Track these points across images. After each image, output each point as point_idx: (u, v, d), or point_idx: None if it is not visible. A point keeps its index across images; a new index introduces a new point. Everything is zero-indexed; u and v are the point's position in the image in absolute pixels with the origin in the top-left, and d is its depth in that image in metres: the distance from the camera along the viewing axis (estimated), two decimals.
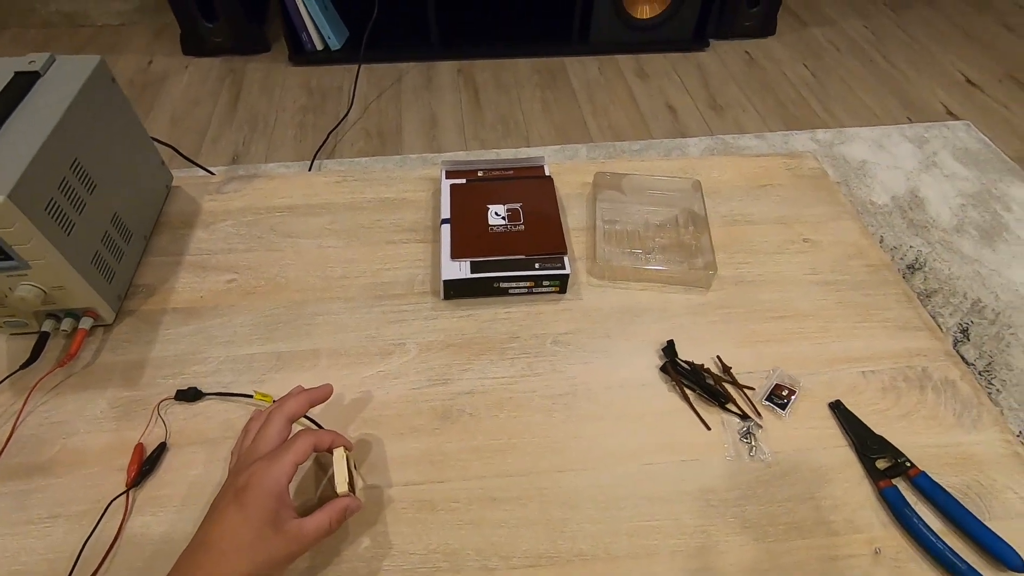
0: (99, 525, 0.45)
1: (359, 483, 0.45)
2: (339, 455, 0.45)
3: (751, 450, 0.51)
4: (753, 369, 0.57)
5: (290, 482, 0.41)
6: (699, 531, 0.47)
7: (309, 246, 0.67)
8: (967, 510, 0.46)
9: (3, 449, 0.49)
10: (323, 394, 0.48)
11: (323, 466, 0.50)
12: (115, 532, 0.45)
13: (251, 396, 0.53)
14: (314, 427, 0.51)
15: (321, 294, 0.62)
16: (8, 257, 0.48)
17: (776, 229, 0.70)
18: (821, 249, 0.68)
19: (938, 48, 1.81)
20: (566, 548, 0.46)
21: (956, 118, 1.44)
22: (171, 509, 0.47)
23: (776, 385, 0.55)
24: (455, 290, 0.61)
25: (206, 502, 0.46)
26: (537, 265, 0.61)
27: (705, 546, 0.46)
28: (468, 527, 0.47)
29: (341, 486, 0.44)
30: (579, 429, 0.52)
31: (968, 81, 1.66)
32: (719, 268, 0.64)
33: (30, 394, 0.52)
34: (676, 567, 0.45)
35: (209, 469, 0.49)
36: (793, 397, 0.54)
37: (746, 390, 0.55)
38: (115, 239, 0.59)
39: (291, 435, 0.44)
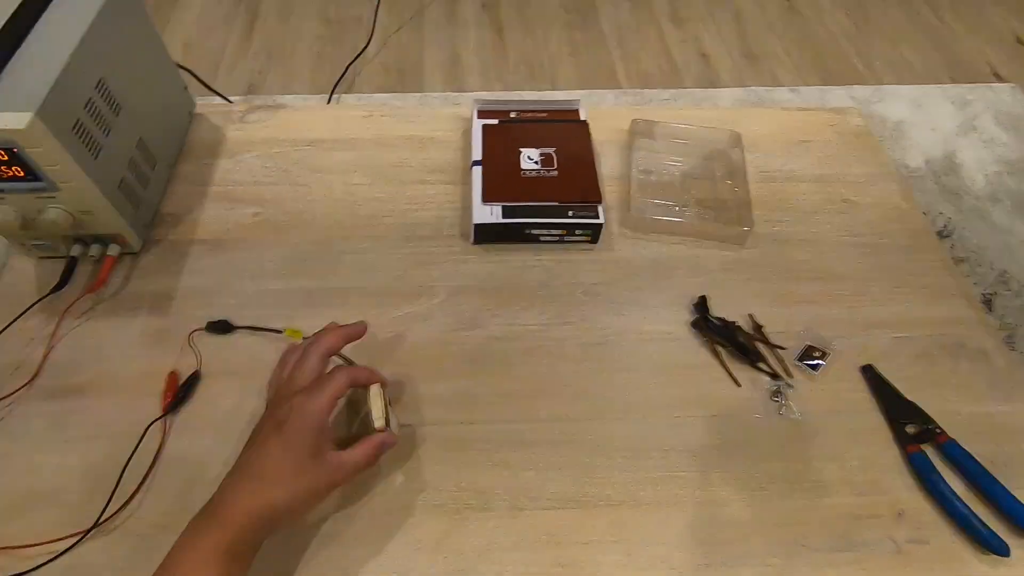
0: (139, 448, 0.46)
1: (394, 420, 0.46)
2: (375, 391, 0.45)
3: (780, 409, 0.51)
4: (785, 329, 0.56)
5: (330, 416, 0.41)
6: (725, 484, 0.48)
7: (335, 182, 0.65)
8: (994, 478, 0.47)
9: (39, 370, 0.50)
10: (358, 331, 0.47)
11: (354, 405, 0.50)
12: (153, 455, 0.46)
13: (281, 332, 0.53)
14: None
15: (349, 232, 0.61)
16: (37, 178, 0.47)
17: (815, 187, 0.68)
18: (860, 211, 0.66)
19: (991, 3, 1.71)
20: (593, 493, 0.47)
21: (1002, 80, 1.38)
22: (207, 436, 0.48)
23: (808, 346, 0.55)
24: (485, 235, 0.60)
25: (240, 432, 0.47)
26: (570, 213, 0.59)
27: (729, 499, 0.47)
28: (498, 468, 0.47)
29: (378, 421, 0.44)
30: (610, 379, 0.52)
31: (1019, 41, 1.58)
32: (755, 225, 0.62)
33: (62, 318, 0.52)
34: (701, 517, 0.46)
35: (242, 401, 0.49)
36: (825, 359, 0.54)
37: (778, 349, 0.55)
38: (140, 165, 0.57)
39: (328, 370, 0.44)
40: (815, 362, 0.54)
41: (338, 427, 0.49)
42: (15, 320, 0.51)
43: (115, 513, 0.44)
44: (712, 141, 0.68)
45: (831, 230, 0.64)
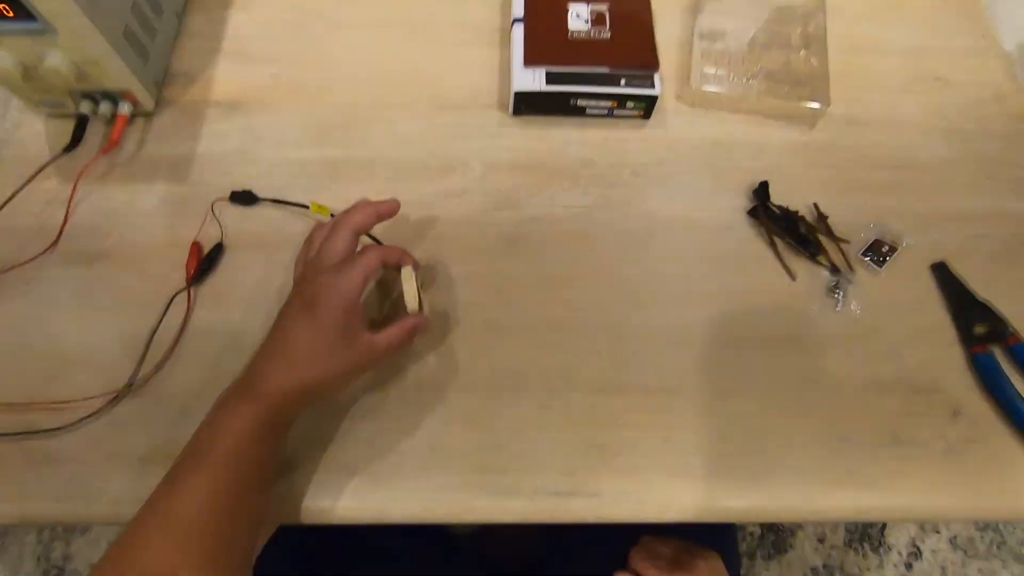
0: (166, 316, 0.45)
1: (426, 304, 0.43)
2: (407, 273, 0.42)
3: (837, 304, 0.48)
4: (852, 221, 0.51)
5: (360, 296, 0.39)
6: (771, 377, 0.45)
7: (360, 40, 0.58)
8: None
9: (60, 235, 0.48)
10: (390, 209, 0.44)
11: (384, 287, 0.48)
12: (180, 324, 0.45)
13: (307, 207, 0.50)
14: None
15: (376, 99, 0.55)
16: (30, 17, 0.42)
17: (904, 62, 0.59)
18: (954, 90, 0.58)
19: None
20: (631, 379, 0.45)
21: None
22: (234, 309, 0.46)
23: (876, 240, 0.50)
24: (526, 104, 0.54)
25: (268, 306, 0.46)
26: (623, 82, 0.53)
27: (776, 392, 0.45)
28: (533, 350, 0.46)
29: (411, 304, 0.42)
30: (655, 267, 0.49)
31: None
32: (830, 103, 0.55)
33: (78, 181, 0.49)
34: (742, 407, 0.44)
35: (269, 273, 0.47)
36: (893, 254, 0.49)
37: (841, 243, 0.50)
38: (145, 11, 0.51)
39: (358, 249, 0.41)
40: (881, 257, 0.49)
41: (368, 310, 0.47)
42: (30, 180, 0.48)
43: (148, 379, 0.44)
44: (790, 4, 0.59)
45: (917, 112, 0.56)
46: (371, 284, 0.47)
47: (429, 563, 0.59)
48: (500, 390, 0.45)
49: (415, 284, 0.42)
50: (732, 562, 0.61)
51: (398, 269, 0.43)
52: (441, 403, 0.44)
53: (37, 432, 0.42)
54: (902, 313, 0.48)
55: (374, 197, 0.47)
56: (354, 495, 0.41)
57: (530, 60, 0.53)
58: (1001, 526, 0.91)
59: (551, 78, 0.52)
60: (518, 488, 0.42)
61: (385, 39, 0.58)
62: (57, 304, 0.46)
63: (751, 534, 0.93)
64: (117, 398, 0.43)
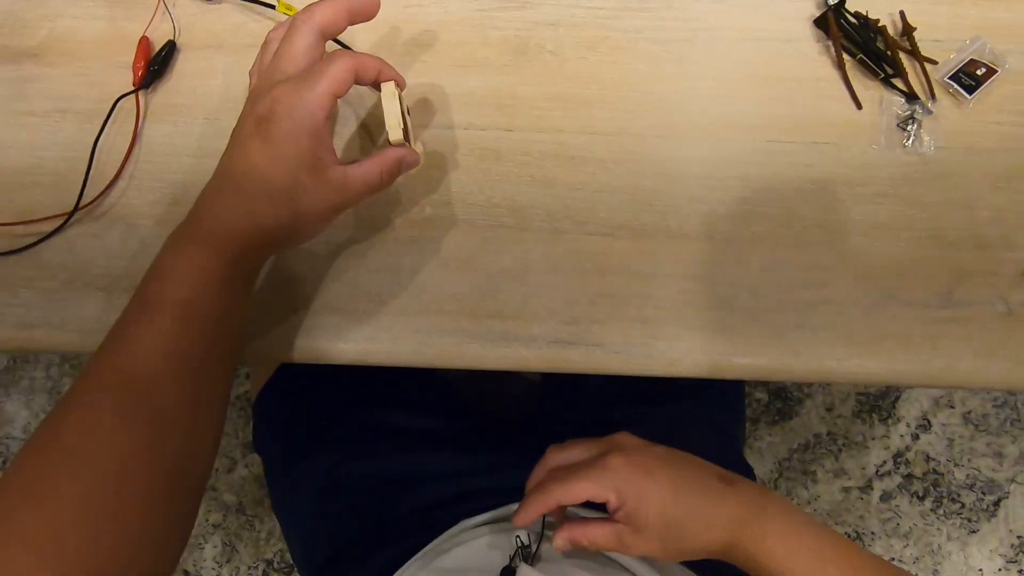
0: (109, 125, 0.39)
1: (414, 133, 0.36)
2: (389, 91, 0.34)
3: (908, 139, 0.40)
4: (945, 37, 0.41)
5: (327, 117, 0.31)
6: (815, 225, 0.39)
7: None
8: None
9: None
10: (366, 7, 0.34)
11: (369, 129, 0.40)
12: (131, 136, 0.39)
13: (273, 7, 0.41)
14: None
15: None
16: None
17: None
18: None
19: None
20: (651, 222, 0.39)
21: None
22: (194, 121, 0.40)
23: (971, 60, 0.40)
24: None
25: (219, 111, 0.39)
26: None
27: (818, 242, 0.39)
28: (539, 184, 0.39)
29: (394, 132, 0.34)
30: (693, 87, 0.41)
31: None
32: None
33: None
34: (777, 258, 0.39)
35: (231, 80, 0.40)
36: (990, 79, 0.40)
37: (927, 63, 0.41)
38: None
39: (325, 57, 0.33)
40: (974, 83, 0.40)
41: (351, 153, 0.40)
42: None
43: (98, 198, 0.38)
44: None
45: None
46: (350, 121, 0.40)
47: (428, 411, 0.58)
48: (500, 228, 0.39)
49: (399, 106, 0.34)
50: (737, 426, 0.60)
51: (377, 87, 0.34)
52: (433, 241, 0.39)
53: None
54: (985, 155, 0.40)
55: None
56: (336, 334, 0.38)
57: None
58: (1020, 402, 0.89)
59: None
60: (515, 335, 0.38)
61: None
62: None
63: (757, 400, 0.93)
64: (68, 220, 0.38)
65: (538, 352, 0.38)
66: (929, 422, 0.89)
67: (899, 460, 0.89)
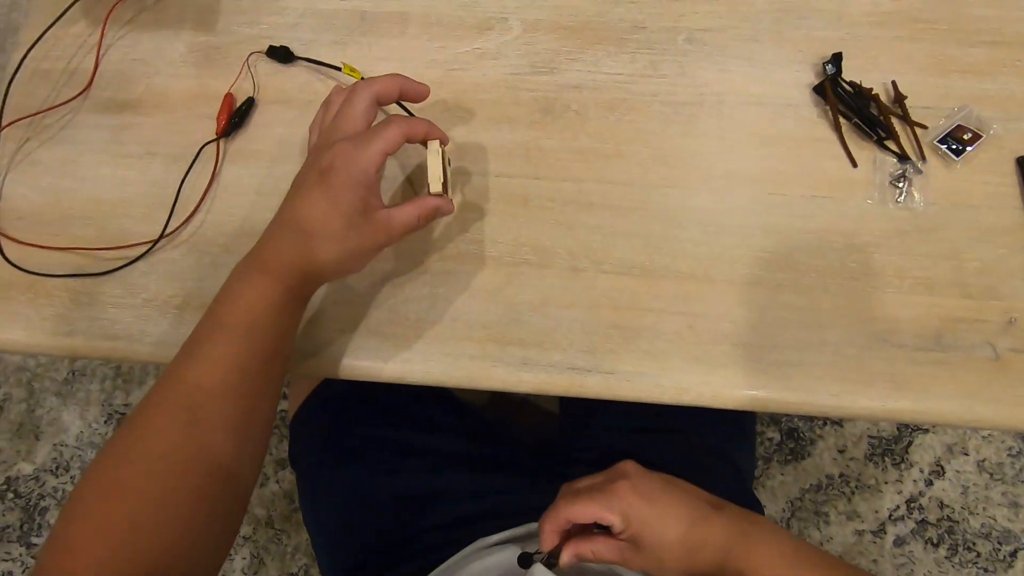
0: (193, 167, 0.45)
1: (452, 185, 0.41)
2: (434, 148, 0.39)
3: (899, 195, 0.44)
4: (934, 104, 0.45)
5: (378, 171, 0.36)
6: (812, 270, 0.43)
7: None
8: None
9: (91, 81, 0.47)
10: (417, 91, 0.40)
11: (415, 184, 0.46)
12: (210, 176, 0.45)
13: (339, 68, 0.47)
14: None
15: None
16: None
17: None
18: None
19: None
20: (662, 263, 0.43)
21: None
22: (263, 165, 0.46)
23: (958, 126, 0.44)
24: None
25: (295, 166, 0.45)
26: None
27: (814, 286, 0.43)
28: (561, 227, 0.44)
29: (435, 184, 0.39)
30: (700, 145, 0.45)
31: None
32: None
33: (106, 23, 0.48)
34: (777, 301, 0.42)
35: (294, 130, 0.46)
36: (976, 144, 0.44)
37: (917, 127, 0.45)
38: None
39: (379, 121, 0.38)
40: (961, 146, 0.44)
41: (393, 200, 0.45)
42: (59, 19, 0.47)
43: (178, 228, 0.44)
44: None
45: None
46: (397, 178, 0.45)
47: (452, 434, 0.61)
48: (525, 265, 0.44)
49: (440, 161, 0.39)
50: (746, 461, 0.62)
51: (424, 144, 0.40)
52: (464, 275, 0.44)
53: (81, 275, 0.44)
54: (972, 210, 0.44)
55: (404, 52, 0.44)
56: (377, 355, 0.42)
57: None
58: None
59: None
60: (535, 360, 0.42)
61: None
62: (93, 150, 0.46)
63: (769, 439, 0.94)
64: (152, 246, 0.44)
65: (557, 377, 0.42)
66: (943, 468, 0.89)
67: (913, 505, 0.89)
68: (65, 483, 0.98)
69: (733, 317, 0.42)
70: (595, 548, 0.40)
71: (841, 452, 0.92)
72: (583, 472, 0.57)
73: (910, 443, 0.91)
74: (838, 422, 0.94)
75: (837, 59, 0.46)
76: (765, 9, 0.48)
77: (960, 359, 0.41)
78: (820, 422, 0.94)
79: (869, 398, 0.41)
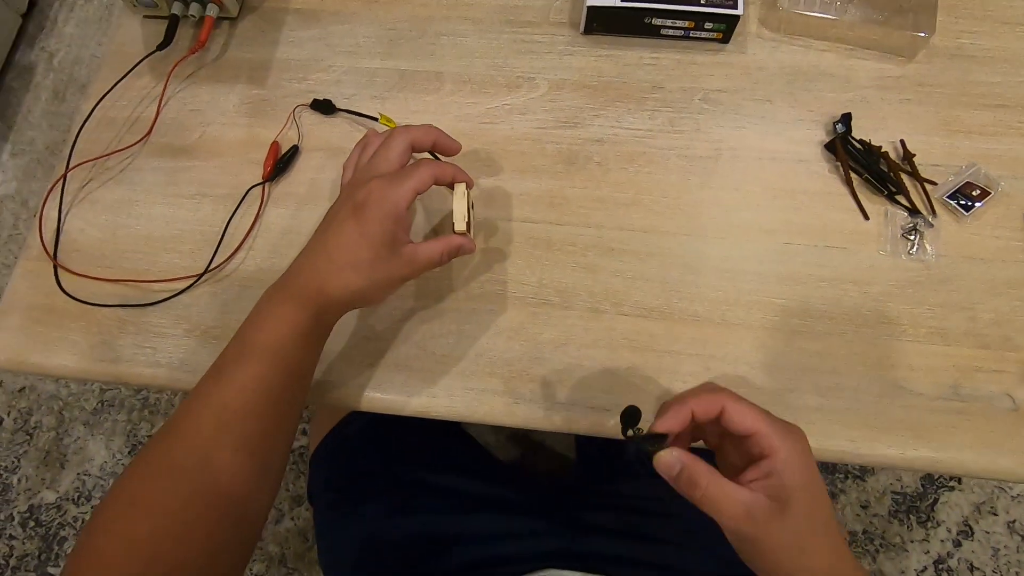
0: (240, 208, 0.48)
1: (475, 227, 0.43)
2: (460, 191, 0.42)
3: (911, 247, 0.45)
4: (942, 163, 0.47)
5: (408, 208, 0.39)
6: (826, 317, 0.44)
7: None
8: None
9: (152, 128, 0.52)
10: (450, 145, 0.43)
11: (428, 213, 0.49)
12: (254, 217, 0.48)
13: (376, 119, 0.51)
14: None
15: (447, 12, 0.55)
16: None
17: None
18: None
19: None
20: (680, 307, 0.45)
21: None
22: (299, 204, 0.49)
23: (967, 183, 0.46)
24: (599, 21, 0.52)
25: (324, 200, 0.48)
26: (703, 1, 0.50)
27: (830, 333, 0.44)
28: (582, 270, 0.46)
29: (459, 223, 0.41)
30: (716, 196, 0.48)
31: None
32: (935, 32, 0.50)
33: (168, 79, 0.52)
34: (793, 347, 0.43)
35: (322, 174, 0.50)
36: (984, 200, 0.45)
37: (927, 183, 0.47)
38: None
39: (412, 163, 0.41)
40: (970, 202, 0.46)
41: (416, 238, 0.48)
42: (125, 76, 0.52)
43: (222, 263, 0.47)
44: None
45: None
46: (417, 214, 0.48)
47: (470, 475, 0.61)
48: (547, 306, 0.45)
49: (466, 203, 0.42)
50: None
51: (451, 187, 0.42)
52: (489, 314, 0.45)
53: (129, 306, 0.47)
54: (983, 264, 0.45)
55: (439, 108, 0.48)
56: (402, 388, 0.44)
57: None
58: None
59: None
60: (556, 399, 0.43)
61: None
62: (148, 191, 0.50)
63: None
64: (197, 280, 0.47)
65: (577, 415, 0.43)
66: (971, 528, 0.86)
67: (941, 567, 0.85)
68: (85, 512, 0.98)
69: (750, 360, 0.43)
70: (701, 467, 0.32)
71: (864, 508, 0.89)
72: (607, 519, 0.57)
73: (936, 500, 0.88)
74: (860, 475, 0.91)
75: (846, 119, 0.48)
76: (777, 73, 0.51)
77: (979, 409, 0.42)
78: (841, 475, 0.92)
79: (888, 445, 0.41)
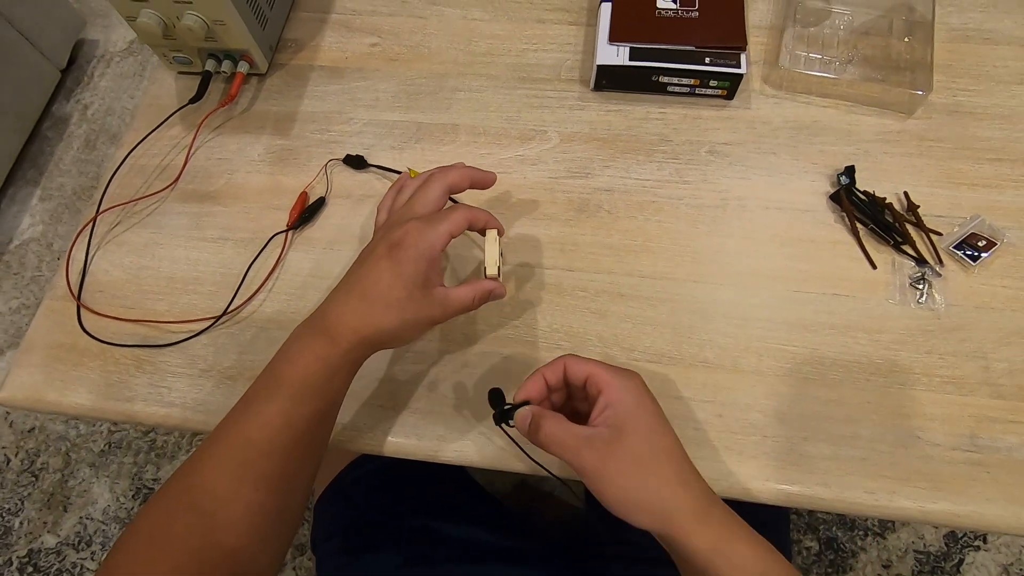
0: (262, 253, 0.50)
1: (503, 273, 0.44)
2: (492, 236, 0.42)
3: (920, 296, 0.45)
4: (946, 214, 0.48)
5: (443, 250, 0.39)
6: (837, 365, 0.44)
7: (453, 16, 0.61)
8: None
9: (179, 175, 0.54)
10: (486, 179, 0.43)
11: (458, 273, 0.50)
12: (274, 261, 0.50)
13: (402, 172, 0.53)
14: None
15: (464, 69, 0.58)
16: None
17: (1020, 52, 0.55)
18: None
19: None
20: (690, 353, 0.45)
21: None
22: (322, 250, 0.50)
23: (972, 234, 0.47)
24: (608, 79, 0.55)
25: (352, 252, 0.49)
26: (708, 60, 0.52)
27: (842, 381, 0.44)
28: (593, 315, 0.47)
29: (491, 268, 0.42)
30: (724, 244, 0.49)
31: None
32: (932, 90, 0.52)
33: (198, 130, 0.55)
34: (806, 394, 0.43)
35: (348, 221, 0.51)
36: (991, 250, 0.46)
37: (932, 234, 0.47)
38: None
39: (448, 207, 0.42)
40: (976, 253, 0.46)
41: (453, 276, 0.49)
42: (159, 126, 0.55)
43: (240, 306, 0.48)
44: None
45: None
46: (447, 262, 0.49)
47: (479, 525, 0.60)
48: (557, 350, 0.46)
49: (497, 249, 0.42)
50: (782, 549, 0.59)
51: (483, 232, 0.43)
52: (499, 357, 0.46)
53: (148, 346, 0.48)
54: (994, 313, 0.45)
55: (453, 158, 0.49)
56: (412, 431, 0.44)
57: (615, 36, 0.54)
58: None
59: (635, 54, 0.53)
60: None
61: (476, 15, 0.61)
62: (173, 234, 0.52)
63: (807, 549, 0.88)
64: (216, 322, 0.48)
65: None
66: None
67: None
68: (84, 558, 0.96)
69: (762, 407, 0.43)
70: (551, 418, 0.35)
71: (886, 567, 0.86)
72: (617, 569, 0.56)
73: (961, 561, 0.84)
74: (880, 532, 0.88)
75: (850, 171, 0.50)
76: (781, 127, 0.53)
77: (999, 461, 0.41)
78: (861, 532, 0.88)
79: (907, 498, 0.40)
